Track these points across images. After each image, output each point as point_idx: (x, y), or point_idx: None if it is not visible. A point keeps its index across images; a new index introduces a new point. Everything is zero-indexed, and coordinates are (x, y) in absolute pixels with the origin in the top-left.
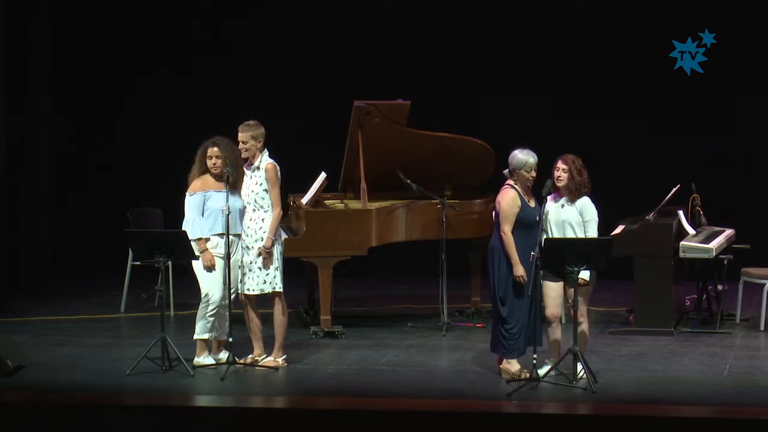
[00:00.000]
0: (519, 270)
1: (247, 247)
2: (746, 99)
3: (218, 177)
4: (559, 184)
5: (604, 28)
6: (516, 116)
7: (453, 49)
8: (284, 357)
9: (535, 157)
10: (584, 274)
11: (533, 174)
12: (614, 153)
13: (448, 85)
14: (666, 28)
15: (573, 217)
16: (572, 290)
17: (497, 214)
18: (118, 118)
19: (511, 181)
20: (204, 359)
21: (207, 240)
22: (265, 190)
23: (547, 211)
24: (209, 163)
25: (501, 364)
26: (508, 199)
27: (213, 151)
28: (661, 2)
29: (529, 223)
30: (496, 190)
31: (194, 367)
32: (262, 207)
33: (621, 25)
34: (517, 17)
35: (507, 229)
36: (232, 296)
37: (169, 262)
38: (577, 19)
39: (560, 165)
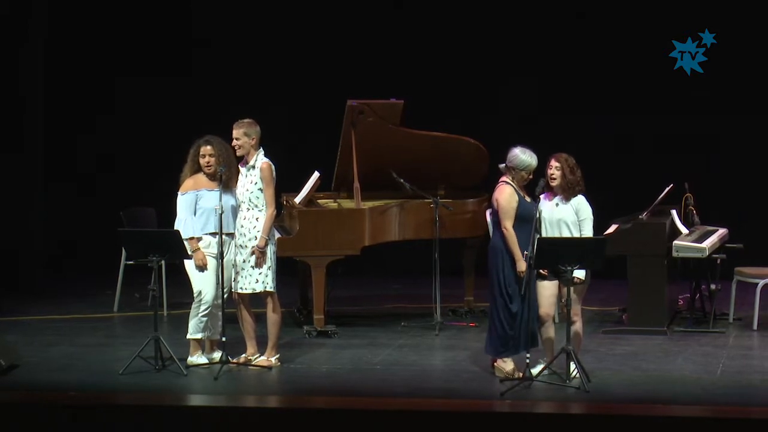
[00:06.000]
0: (522, 265)
1: (241, 246)
2: (743, 99)
3: (211, 176)
4: (553, 183)
5: (604, 28)
6: (511, 116)
7: (448, 48)
8: (277, 356)
9: (536, 160)
10: (579, 273)
11: (530, 177)
12: (608, 152)
13: (442, 84)
14: (666, 28)
15: (568, 216)
16: (566, 289)
17: (496, 213)
18: (112, 117)
19: (506, 178)
20: (197, 359)
21: (199, 239)
22: (260, 189)
23: (541, 210)
24: (202, 161)
25: (495, 363)
26: (506, 195)
27: (206, 149)
28: (661, 2)
29: (527, 218)
30: (490, 190)
31: (187, 367)
32: (256, 206)
33: (621, 25)
34: (515, 16)
35: (508, 225)
36: (225, 295)
37: (162, 262)
38: (576, 19)
39: (553, 163)
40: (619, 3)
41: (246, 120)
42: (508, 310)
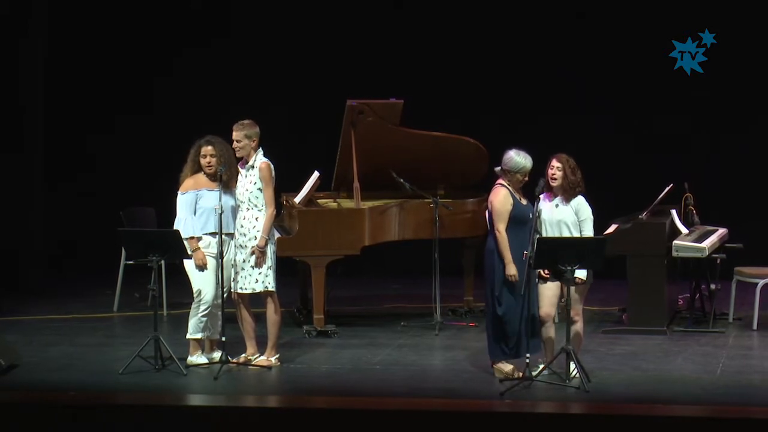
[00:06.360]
0: (511, 269)
1: (241, 245)
2: (741, 99)
3: (212, 176)
4: (554, 184)
5: (604, 28)
6: (511, 116)
7: (448, 48)
8: (277, 356)
9: (531, 162)
10: (581, 273)
11: (526, 179)
12: (608, 152)
13: (442, 84)
14: (666, 28)
15: (569, 217)
16: (566, 289)
17: (490, 215)
18: (111, 117)
19: (502, 180)
20: (197, 358)
21: (199, 239)
22: (260, 189)
23: (540, 211)
24: (203, 161)
25: (494, 364)
26: (500, 197)
27: (207, 149)
28: (661, 2)
29: (522, 220)
30: (489, 190)
31: (187, 367)
32: (256, 206)
33: (621, 25)
34: (515, 16)
35: (501, 228)
36: (225, 295)
37: (162, 262)
38: (576, 19)
39: (555, 163)
40: (619, 3)
41: (246, 121)
42: (494, 314)
